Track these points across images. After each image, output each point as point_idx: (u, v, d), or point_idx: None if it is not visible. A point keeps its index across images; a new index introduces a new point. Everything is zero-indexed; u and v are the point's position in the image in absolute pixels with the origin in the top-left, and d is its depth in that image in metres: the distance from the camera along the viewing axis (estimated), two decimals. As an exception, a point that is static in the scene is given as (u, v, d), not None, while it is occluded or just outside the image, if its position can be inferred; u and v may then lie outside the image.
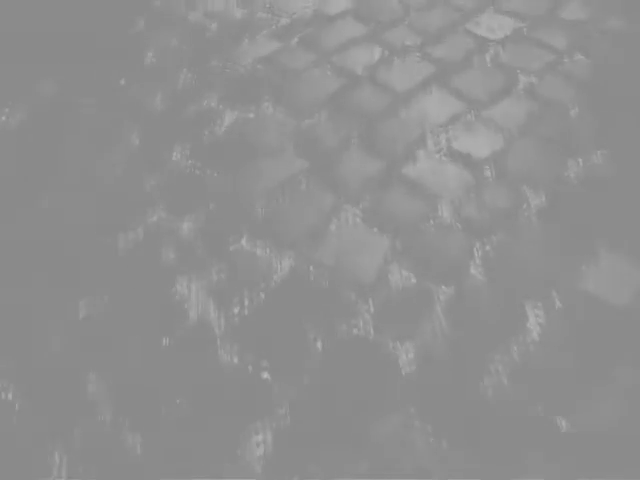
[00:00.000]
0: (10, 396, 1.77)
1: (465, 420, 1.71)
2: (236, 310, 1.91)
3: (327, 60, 2.67)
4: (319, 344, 1.84)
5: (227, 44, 2.77)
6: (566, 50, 2.73)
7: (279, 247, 2.04)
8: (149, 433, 1.68)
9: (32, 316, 1.90)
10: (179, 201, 2.17)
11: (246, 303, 1.92)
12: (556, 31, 2.84)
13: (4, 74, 2.65)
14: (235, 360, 1.81)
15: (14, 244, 2.07)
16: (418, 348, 1.82)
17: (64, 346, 1.84)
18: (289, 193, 2.18)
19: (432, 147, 2.33)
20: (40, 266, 2.01)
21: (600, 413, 1.71)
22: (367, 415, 1.72)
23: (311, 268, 1.99)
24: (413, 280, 1.97)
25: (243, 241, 2.07)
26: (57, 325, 1.88)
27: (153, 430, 1.69)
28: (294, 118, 2.44)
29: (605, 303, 1.90)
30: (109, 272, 1.99)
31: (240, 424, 1.71)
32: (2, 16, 2.93)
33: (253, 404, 1.74)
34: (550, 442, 1.66)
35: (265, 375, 1.80)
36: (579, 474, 1.60)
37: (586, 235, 2.05)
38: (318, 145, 2.33)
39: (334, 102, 2.50)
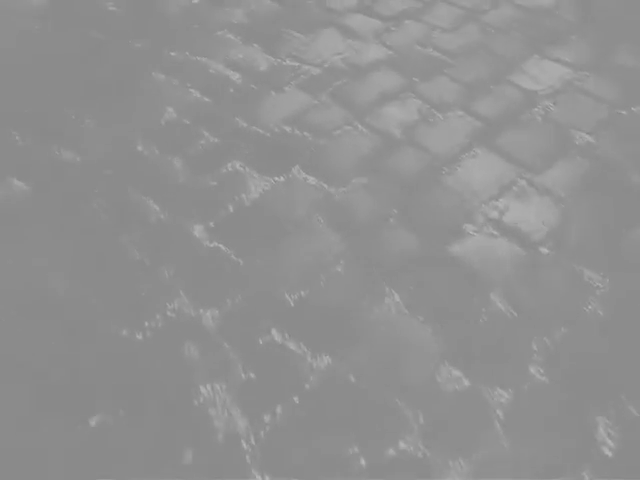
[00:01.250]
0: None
1: None
2: (267, 418, 1.69)
3: (361, 118, 2.46)
4: (362, 461, 1.62)
5: (252, 99, 2.57)
6: (622, 101, 2.50)
7: (314, 342, 1.83)
8: None
9: (40, 425, 1.70)
10: (201, 287, 1.96)
11: (278, 410, 1.70)
12: (609, 80, 2.61)
13: (27, 143, 2.46)
14: (267, 486, 1.60)
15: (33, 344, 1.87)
16: (473, 465, 1.60)
17: (74, 455, 1.63)
18: (323, 277, 1.97)
19: (480, 220, 2.11)
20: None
21: None
22: None
23: (350, 367, 1.77)
24: (465, 382, 1.74)
25: (273, 332, 1.85)
26: (64, 435, 1.67)
27: None
28: (327, 185, 2.22)
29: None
30: (124, 377, 1.78)
31: None
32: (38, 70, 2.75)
33: None
34: None
35: (302, 504, 1.59)
36: None
37: (662, 331, 1.82)
38: (353, 218, 2.12)
39: (370, 167, 2.28)
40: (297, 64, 2.73)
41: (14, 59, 2.80)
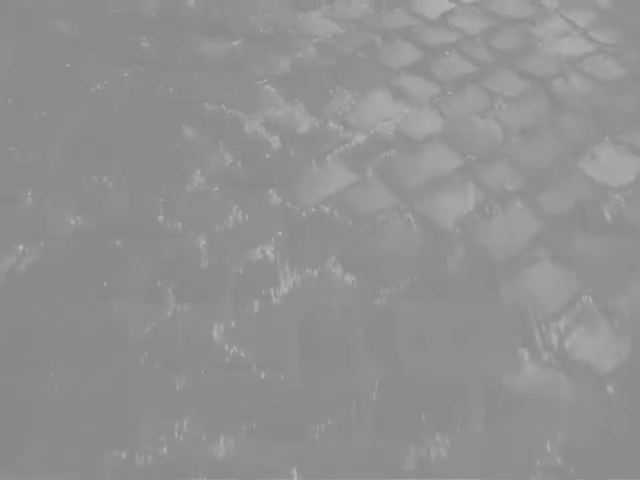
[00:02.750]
0: None
1: None
2: None
3: (410, 204, 2.19)
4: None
5: (289, 168, 2.31)
6: None
7: None
8: None
9: None
10: (215, 410, 1.71)
11: None
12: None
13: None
14: None
15: None
16: None
17: None
18: (355, 413, 1.70)
19: (539, 346, 1.84)
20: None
21: None
22: None
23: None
24: None
25: (294, 473, 1.60)
26: None
27: None
28: (366, 287, 1.96)
29: None
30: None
31: None
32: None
33: None
34: None
35: None
36: None
37: None
38: (397, 337, 1.85)
39: (417, 268, 2.01)
40: (342, 127, 2.46)
41: (20, 99, 2.56)
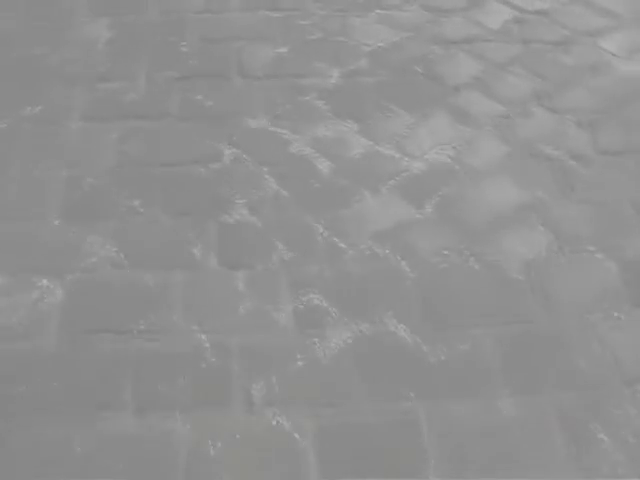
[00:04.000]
0: None
1: None
2: None
3: (472, 247, 1.98)
4: None
5: (340, 200, 2.10)
6: None
7: None
8: None
9: None
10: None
11: None
12: None
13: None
14: None
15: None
16: None
17: None
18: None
19: (616, 415, 1.62)
20: None
21: None
22: None
23: None
24: None
25: None
26: None
27: None
28: (426, 348, 1.75)
29: None
30: None
31: None
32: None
33: None
34: None
35: None
36: None
37: None
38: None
39: (483, 322, 1.80)
40: (397, 155, 2.24)
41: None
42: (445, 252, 1.97)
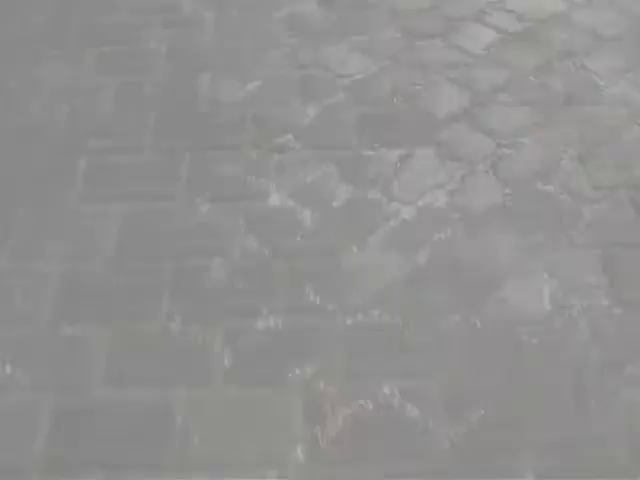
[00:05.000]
0: None
1: None
2: None
3: (476, 308, 1.81)
4: None
5: (327, 257, 1.92)
6: None
7: None
8: None
9: None
10: None
11: None
12: None
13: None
14: None
15: None
16: None
17: None
18: None
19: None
20: None
21: None
22: None
23: None
24: None
25: None
26: None
27: None
28: (432, 423, 1.58)
29: None
30: None
31: None
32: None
33: None
34: None
35: None
36: None
37: None
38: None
39: (490, 399, 1.63)
40: (385, 199, 2.07)
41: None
42: (445, 312, 1.80)
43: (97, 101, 2.40)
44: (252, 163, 2.18)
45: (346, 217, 2.02)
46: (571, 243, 1.95)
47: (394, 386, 1.65)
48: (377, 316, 1.78)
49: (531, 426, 1.57)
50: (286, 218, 2.02)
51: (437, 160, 2.19)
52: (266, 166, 2.17)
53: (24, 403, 1.62)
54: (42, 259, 1.93)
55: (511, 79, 2.50)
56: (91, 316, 1.79)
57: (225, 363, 1.68)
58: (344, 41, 2.66)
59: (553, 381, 1.65)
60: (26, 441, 1.55)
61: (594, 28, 2.72)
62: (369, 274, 1.88)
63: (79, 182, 2.13)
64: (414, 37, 2.68)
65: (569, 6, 2.80)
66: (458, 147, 2.24)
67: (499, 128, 2.31)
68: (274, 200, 2.07)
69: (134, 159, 2.20)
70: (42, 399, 1.64)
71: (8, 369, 1.67)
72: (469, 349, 1.72)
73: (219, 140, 2.26)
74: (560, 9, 2.79)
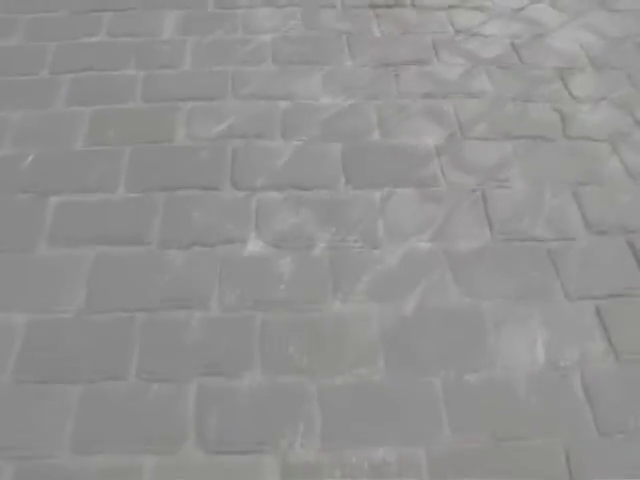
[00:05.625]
0: None
1: None
2: None
3: (469, 364, 1.71)
4: None
5: (308, 322, 1.82)
6: None
7: None
8: None
9: None
10: None
11: None
12: None
13: None
14: None
15: None
16: None
17: None
18: None
19: None
20: None
21: None
22: None
23: None
24: None
25: None
26: None
27: None
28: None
29: None
30: None
31: None
32: None
33: None
34: None
35: None
36: None
37: None
38: None
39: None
40: (367, 248, 1.98)
41: None
42: (436, 367, 1.71)
43: (67, 137, 2.26)
44: (229, 206, 2.07)
45: (329, 270, 1.92)
46: (565, 291, 1.87)
47: (383, 453, 1.55)
48: (363, 375, 1.69)
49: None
50: (264, 267, 1.92)
51: (418, 201, 2.11)
52: (244, 209, 2.06)
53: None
54: (4, 310, 1.80)
55: (488, 109, 2.43)
56: (56, 374, 1.67)
57: (199, 427, 1.58)
58: (317, 73, 2.56)
59: (547, 445, 1.57)
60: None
61: (568, 50, 2.67)
62: (353, 327, 1.78)
63: (46, 226, 2.00)
64: (386, 67, 2.59)
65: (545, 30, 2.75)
66: (439, 186, 2.16)
67: (481, 165, 2.23)
68: (252, 246, 1.96)
69: (105, 199, 2.07)
70: (1, 465, 1.52)
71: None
72: (459, 409, 1.63)
73: (195, 180, 2.13)
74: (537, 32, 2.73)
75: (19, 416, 1.60)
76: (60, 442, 1.56)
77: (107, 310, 1.80)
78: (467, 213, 2.07)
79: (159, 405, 1.62)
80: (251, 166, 2.19)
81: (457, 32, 2.73)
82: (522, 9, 2.83)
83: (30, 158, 2.19)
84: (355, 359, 1.72)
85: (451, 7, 2.83)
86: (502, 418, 1.61)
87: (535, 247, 1.97)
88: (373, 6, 2.83)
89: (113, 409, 1.61)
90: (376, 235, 2.00)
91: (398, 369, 1.70)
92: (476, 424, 1.59)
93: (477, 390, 1.66)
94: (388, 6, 2.83)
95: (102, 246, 1.95)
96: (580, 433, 1.57)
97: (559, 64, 2.60)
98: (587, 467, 1.53)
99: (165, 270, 1.89)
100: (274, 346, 1.73)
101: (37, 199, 2.07)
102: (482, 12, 2.82)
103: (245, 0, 2.82)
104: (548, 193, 2.13)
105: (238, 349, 1.73)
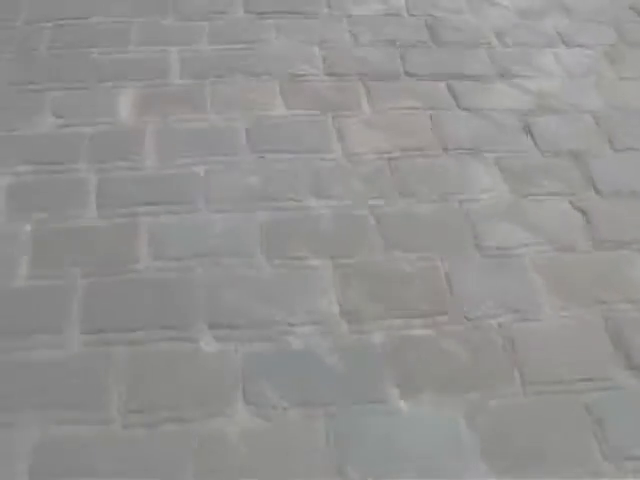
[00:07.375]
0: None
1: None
2: None
3: None
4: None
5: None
6: None
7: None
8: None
9: None
10: None
11: None
12: None
13: None
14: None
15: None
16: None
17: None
18: None
19: None
20: None
21: None
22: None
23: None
24: None
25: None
26: None
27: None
28: None
29: None
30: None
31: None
32: None
33: None
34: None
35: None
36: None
37: None
38: None
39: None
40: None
41: None
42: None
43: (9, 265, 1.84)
44: (209, 364, 1.68)
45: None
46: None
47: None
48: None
49: None
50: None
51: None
52: (230, 365, 1.68)
53: None
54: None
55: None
56: None
57: None
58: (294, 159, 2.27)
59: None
60: None
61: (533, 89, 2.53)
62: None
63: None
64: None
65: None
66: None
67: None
68: (231, 426, 1.56)
69: (54, 356, 1.68)
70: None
71: None
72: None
73: (166, 321, 1.77)
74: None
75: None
76: None
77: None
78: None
79: None
80: (226, 305, 1.83)
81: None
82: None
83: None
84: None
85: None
86: None
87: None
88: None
89: None
90: None
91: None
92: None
93: None
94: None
95: (48, 424, 1.54)
96: None
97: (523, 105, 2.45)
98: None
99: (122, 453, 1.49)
100: None
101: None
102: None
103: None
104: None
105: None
